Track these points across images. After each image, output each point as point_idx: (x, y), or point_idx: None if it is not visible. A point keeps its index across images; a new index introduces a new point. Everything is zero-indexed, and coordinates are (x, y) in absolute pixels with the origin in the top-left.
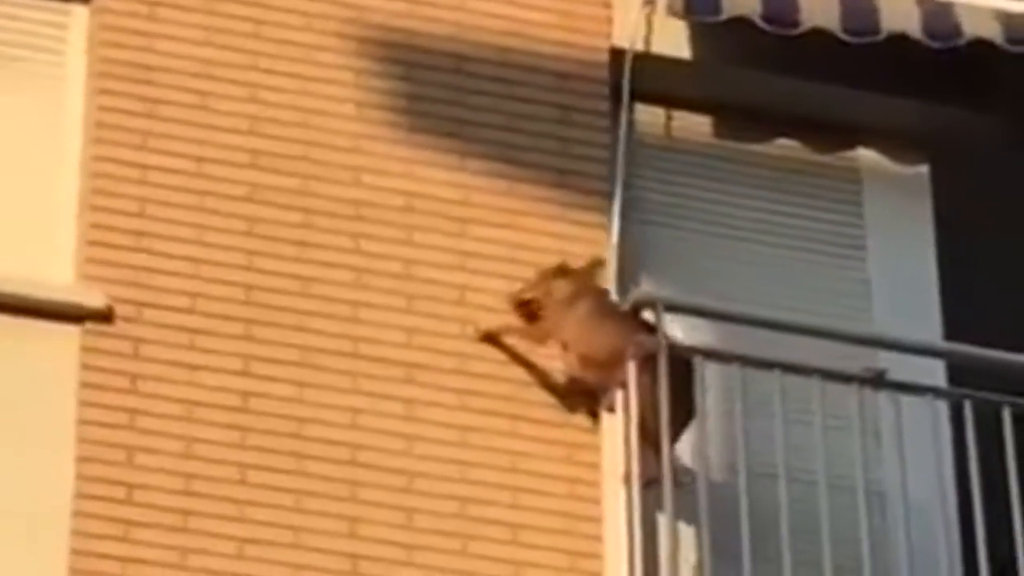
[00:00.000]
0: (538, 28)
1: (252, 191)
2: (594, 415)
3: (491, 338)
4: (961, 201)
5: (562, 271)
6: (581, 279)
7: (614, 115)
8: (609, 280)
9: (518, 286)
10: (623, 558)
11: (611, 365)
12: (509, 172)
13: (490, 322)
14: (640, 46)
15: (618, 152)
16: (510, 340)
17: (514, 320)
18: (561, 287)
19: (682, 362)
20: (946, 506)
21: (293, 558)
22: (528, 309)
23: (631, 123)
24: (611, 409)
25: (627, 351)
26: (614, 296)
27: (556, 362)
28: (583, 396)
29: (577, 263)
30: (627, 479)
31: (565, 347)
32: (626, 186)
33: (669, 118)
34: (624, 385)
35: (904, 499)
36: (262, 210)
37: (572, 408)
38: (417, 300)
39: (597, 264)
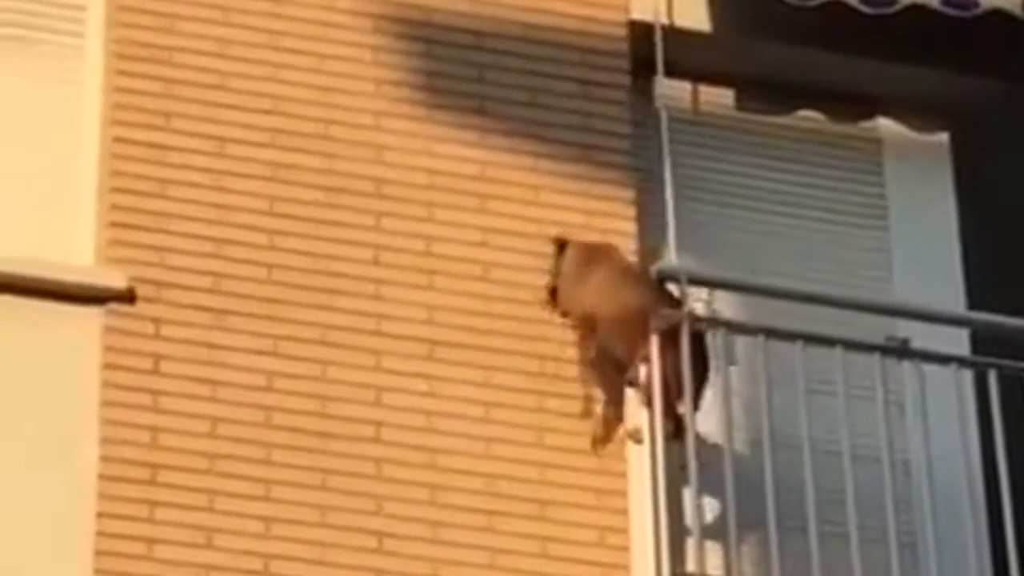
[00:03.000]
0: (557, 3)
1: (272, 170)
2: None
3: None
4: (982, 169)
5: (561, 244)
6: (589, 249)
7: (635, 89)
8: (633, 251)
9: (539, 262)
10: (649, 531)
11: (633, 331)
12: (530, 148)
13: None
14: (663, 19)
15: (661, 126)
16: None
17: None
18: (569, 261)
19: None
20: (971, 476)
21: (319, 536)
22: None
23: (654, 97)
24: (633, 383)
25: (649, 317)
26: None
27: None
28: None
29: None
30: (652, 447)
31: (585, 322)
32: (649, 159)
33: (694, 91)
34: (647, 359)
35: (928, 469)
36: (283, 189)
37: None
38: (439, 277)
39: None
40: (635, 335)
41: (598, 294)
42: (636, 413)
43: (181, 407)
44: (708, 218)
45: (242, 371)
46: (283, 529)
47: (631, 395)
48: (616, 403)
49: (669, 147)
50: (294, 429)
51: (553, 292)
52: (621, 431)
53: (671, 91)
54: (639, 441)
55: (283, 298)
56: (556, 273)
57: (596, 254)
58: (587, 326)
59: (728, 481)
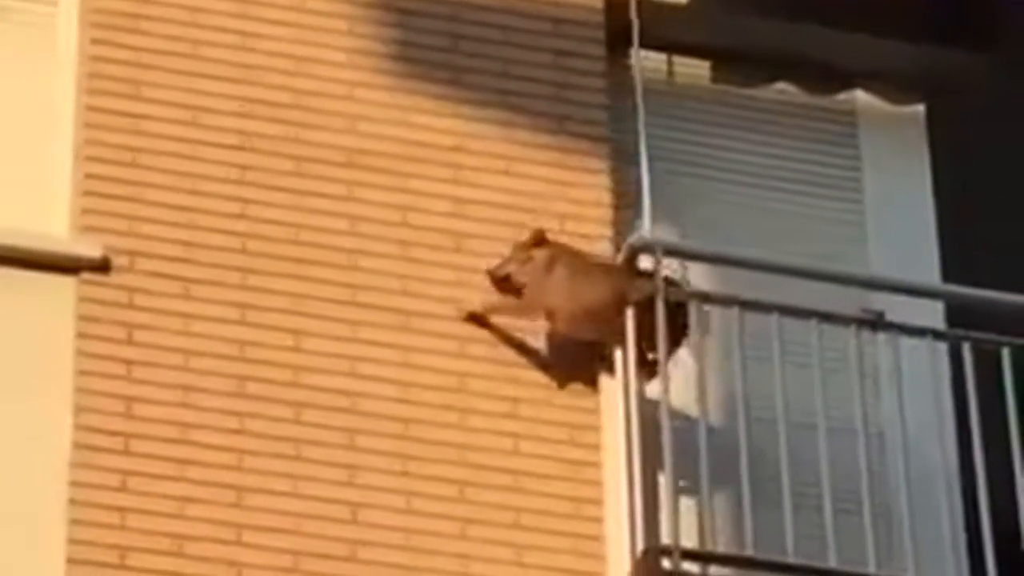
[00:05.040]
0: None
1: (246, 140)
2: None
3: (477, 318)
4: (958, 142)
5: (538, 240)
6: (556, 246)
7: (610, 60)
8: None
9: (515, 233)
10: (623, 503)
11: (603, 318)
12: (505, 118)
13: (484, 268)
14: None
15: (636, 98)
16: (497, 318)
17: (498, 296)
18: (540, 255)
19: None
20: (945, 448)
21: (292, 506)
22: (508, 284)
23: (628, 68)
24: (604, 358)
25: (619, 299)
26: (606, 246)
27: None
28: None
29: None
30: (627, 420)
31: (551, 314)
32: (623, 131)
33: (669, 63)
34: (622, 335)
35: (903, 441)
36: (256, 159)
37: (572, 357)
38: (413, 247)
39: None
40: (600, 325)
41: (558, 291)
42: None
43: (155, 377)
44: (683, 190)
45: (216, 340)
46: (256, 499)
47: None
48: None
49: (644, 119)
50: (267, 399)
51: (506, 279)
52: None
53: (647, 63)
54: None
55: (257, 268)
56: (524, 262)
57: (560, 251)
58: (548, 320)
59: (702, 453)
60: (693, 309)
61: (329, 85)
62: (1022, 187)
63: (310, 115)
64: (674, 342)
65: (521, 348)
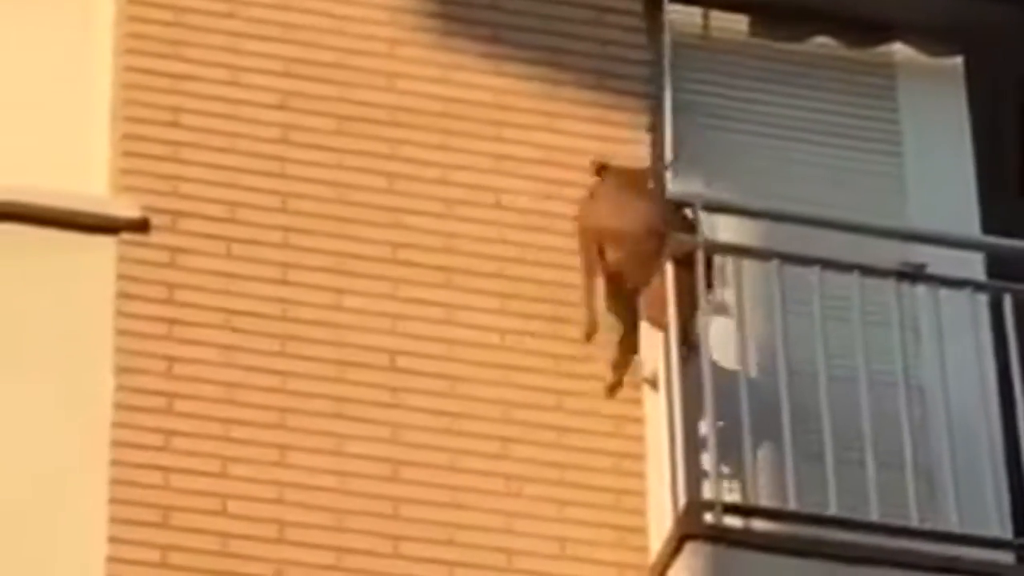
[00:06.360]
0: None
1: (286, 99)
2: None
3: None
4: (997, 93)
5: (600, 168)
6: (609, 171)
7: (649, 15)
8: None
9: (556, 189)
10: (665, 458)
11: (645, 246)
12: (545, 75)
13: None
14: None
15: (663, 53)
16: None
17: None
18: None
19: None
20: (987, 400)
21: (334, 465)
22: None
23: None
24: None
25: (662, 240)
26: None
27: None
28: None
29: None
30: (667, 374)
31: (601, 236)
32: (662, 87)
33: (705, 18)
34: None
35: (944, 394)
36: (297, 118)
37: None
38: (455, 205)
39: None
40: (646, 257)
41: (607, 205)
42: (651, 358)
43: (196, 336)
44: (722, 144)
45: (257, 300)
46: (299, 458)
47: (644, 336)
48: (629, 336)
49: (679, 72)
50: (309, 358)
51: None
52: (640, 375)
53: (684, 17)
54: (656, 386)
55: (298, 227)
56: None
57: (609, 173)
58: (597, 242)
59: (744, 408)
60: (725, 263)
61: (370, 43)
62: None
63: (351, 74)
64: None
65: (562, 304)
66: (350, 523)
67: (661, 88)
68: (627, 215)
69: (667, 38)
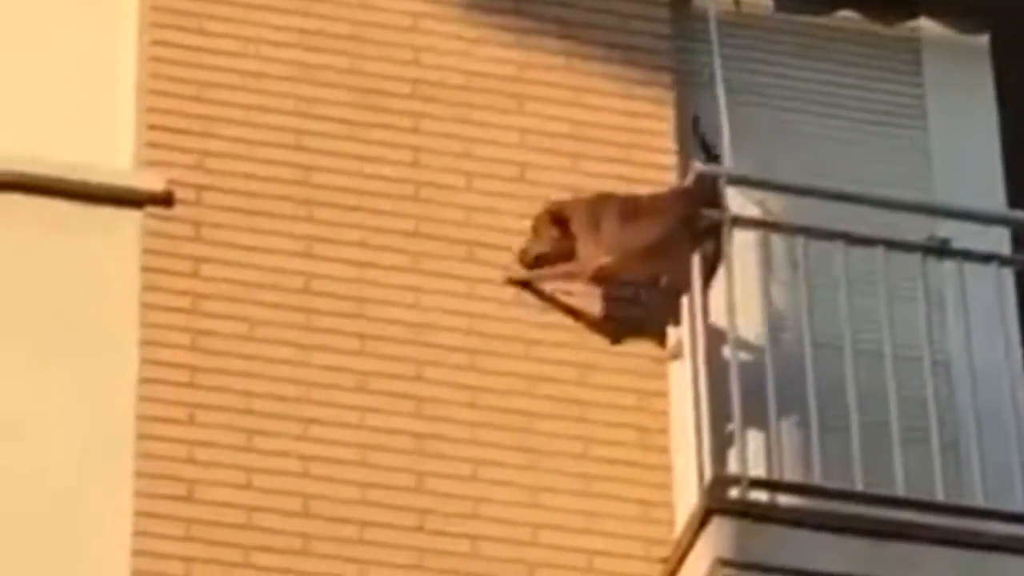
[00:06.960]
0: None
1: (308, 72)
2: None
3: (524, 284)
4: (1023, 68)
5: (555, 218)
6: (589, 202)
7: None
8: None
9: (580, 163)
10: (690, 432)
11: (663, 252)
12: (568, 48)
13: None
14: None
15: (710, 26)
16: (545, 284)
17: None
18: (578, 215)
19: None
20: (1012, 373)
21: (358, 438)
22: (543, 260)
23: None
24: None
25: (676, 231)
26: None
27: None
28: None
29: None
30: (693, 349)
31: (603, 269)
32: (687, 61)
33: None
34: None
35: (970, 367)
36: (319, 91)
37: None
38: (477, 179)
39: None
40: (661, 260)
41: (611, 240)
42: (673, 330)
43: (220, 309)
44: (747, 119)
45: (281, 273)
46: (323, 431)
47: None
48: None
49: (706, 47)
50: (333, 331)
51: (537, 259)
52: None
53: None
54: (678, 356)
55: (322, 200)
56: (541, 239)
57: (602, 201)
58: (606, 279)
59: (769, 382)
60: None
61: (393, 16)
62: None
63: (375, 47)
64: (711, 269)
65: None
66: (373, 495)
67: (689, 64)
68: (640, 237)
69: (712, 13)
